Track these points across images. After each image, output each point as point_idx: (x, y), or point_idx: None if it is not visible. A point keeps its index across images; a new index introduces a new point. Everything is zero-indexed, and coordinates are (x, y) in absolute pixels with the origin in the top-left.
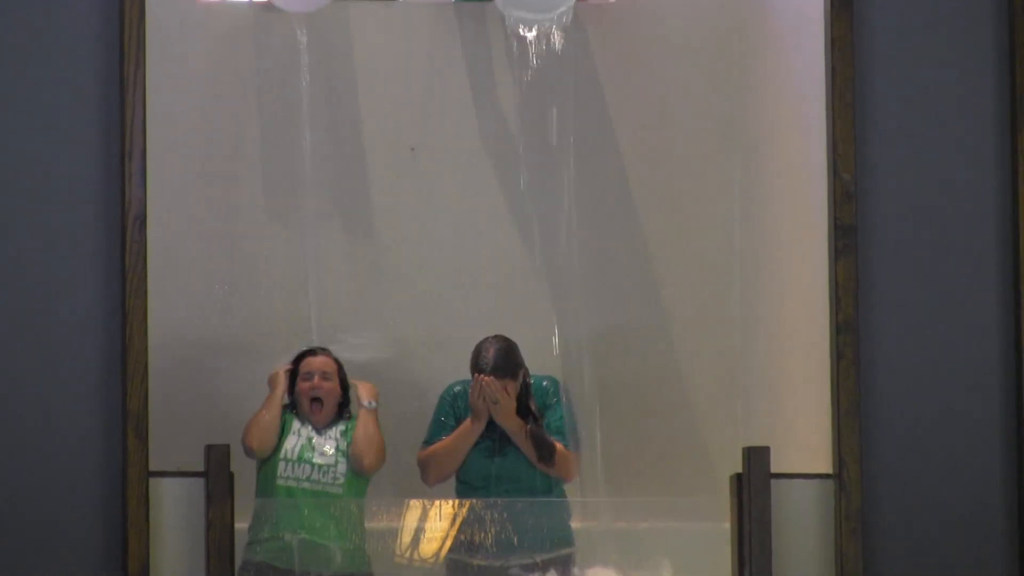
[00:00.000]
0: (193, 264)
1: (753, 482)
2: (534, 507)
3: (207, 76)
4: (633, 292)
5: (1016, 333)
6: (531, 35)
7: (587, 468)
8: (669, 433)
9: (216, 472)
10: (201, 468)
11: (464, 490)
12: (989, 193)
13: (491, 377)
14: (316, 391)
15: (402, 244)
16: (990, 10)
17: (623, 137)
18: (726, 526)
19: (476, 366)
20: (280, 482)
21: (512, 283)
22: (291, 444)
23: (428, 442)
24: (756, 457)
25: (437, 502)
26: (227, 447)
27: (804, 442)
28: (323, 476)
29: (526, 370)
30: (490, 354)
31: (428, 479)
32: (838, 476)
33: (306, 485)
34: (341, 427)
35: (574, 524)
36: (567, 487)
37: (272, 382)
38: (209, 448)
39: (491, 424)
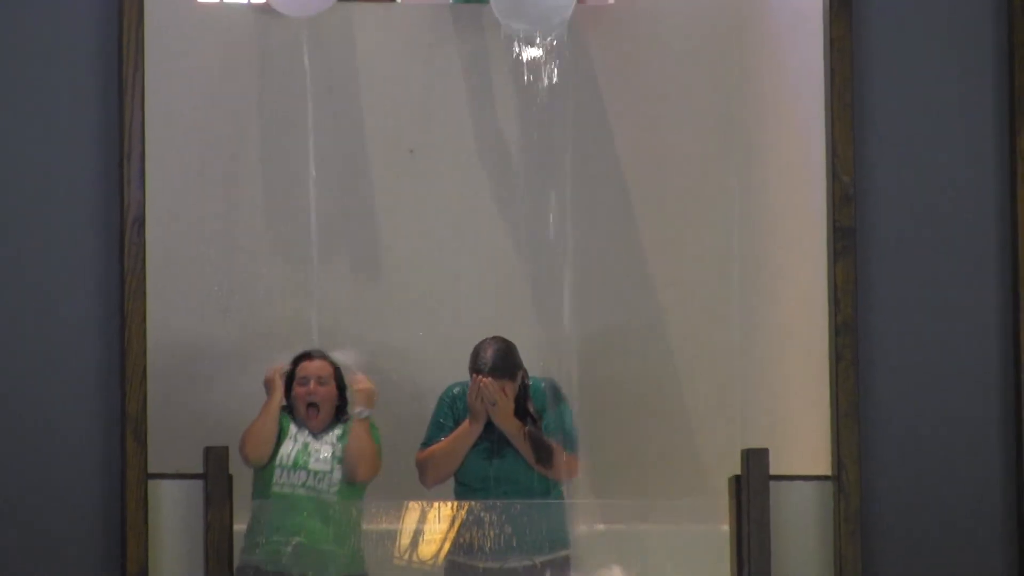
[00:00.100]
0: (192, 266)
1: (752, 484)
2: (533, 509)
3: (206, 78)
4: (632, 294)
5: (1016, 335)
6: (529, 48)
7: (585, 470)
8: (667, 434)
9: (215, 474)
10: (200, 470)
11: (463, 492)
12: (989, 195)
13: (489, 378)
14: (311, 396)
15: (401, 245)
16: (989, 11)
17: (621, 139)
18: (725, 528)
19: (474, 367)
20: (276, 488)
21: (511, 284)
22: (287, 450)
23: (427, 443)
24: (755, 459)
25: (436, 504)
26: (226, 449)
27: (803, 443)
28: (319, 483)
29: (525, 371)
30: (488, 355)
31: (426, 480)
32: (837, 478)
33: (301, 491)
34: (338, 431)
35: (573, 526)
36: (565, 489)
37: (268, 386)
38: (208, 450)
39: (490, 426)
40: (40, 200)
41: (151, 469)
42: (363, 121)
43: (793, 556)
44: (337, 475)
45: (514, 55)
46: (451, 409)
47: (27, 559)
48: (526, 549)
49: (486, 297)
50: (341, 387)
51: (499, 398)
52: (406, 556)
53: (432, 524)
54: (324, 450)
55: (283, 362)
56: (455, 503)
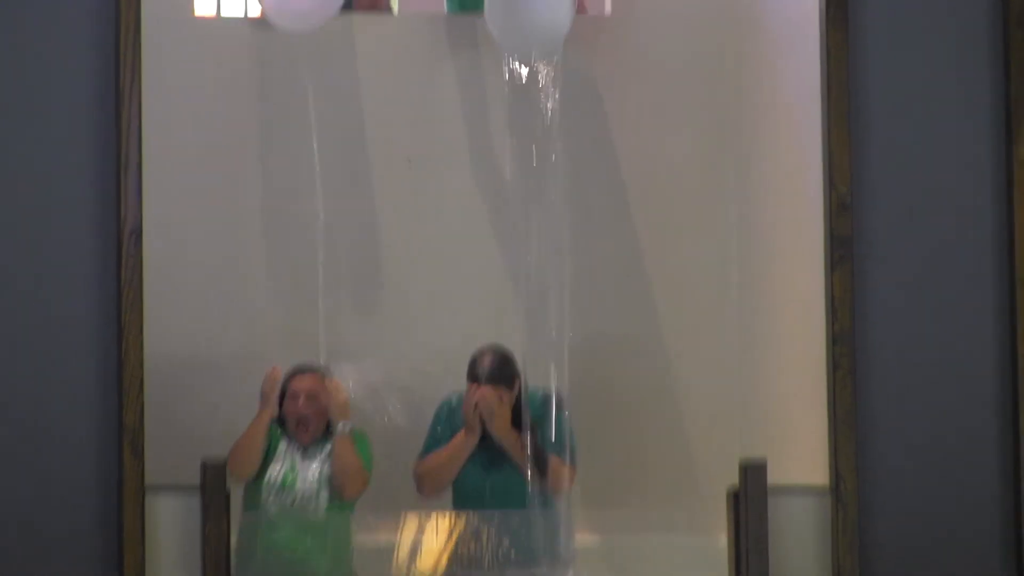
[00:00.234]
0: (190, 277)
1: (750, 499)
2: (531, 520)
3: (203, 90)
4: (629, 303)
5: (1013, 345)
6: (526, 71)
7: (581, 480)
8: (665, 444)
9: (212, 487)
10: (197, 482)
11: (460, 503)
12: (986, 204)
13: (488, 388)
14: (301, 413)
15: (399, 254)
16: (986, 21)
17: (618, 147)
18: (722, 539)
19: (472, 375)
20: (265, 506)
21: (508, 293)
22: (275, 470)
23: (424, 454)
24: (753, 474)
25: (433, 515)
26: (223, 461)
27: (801, 453)
28: (307, 504)
29: (522, 381)
30: (486, 363)
31: (423, 491)
32: (835, 488)
33: (290, 511)
34: (328, 447)
35: (571, 537)
36: (563, 499)
37: (262, 397)
38: (205, 463)
39: (488, 436)
40: (37, 212)
41: (148, 481)
42: (362, 130)
43: (791, 567)
44: (324, 497)
45: (511, 65)
46: (449, 420)
47: (24, 571)
48: (524, 561)
49: (484, 306)
50: None
51: (496, 407)
52: (403, 571)
53: (429, 536)
54: (312, 469)
55: (280, 367)
56: (451, 515)
